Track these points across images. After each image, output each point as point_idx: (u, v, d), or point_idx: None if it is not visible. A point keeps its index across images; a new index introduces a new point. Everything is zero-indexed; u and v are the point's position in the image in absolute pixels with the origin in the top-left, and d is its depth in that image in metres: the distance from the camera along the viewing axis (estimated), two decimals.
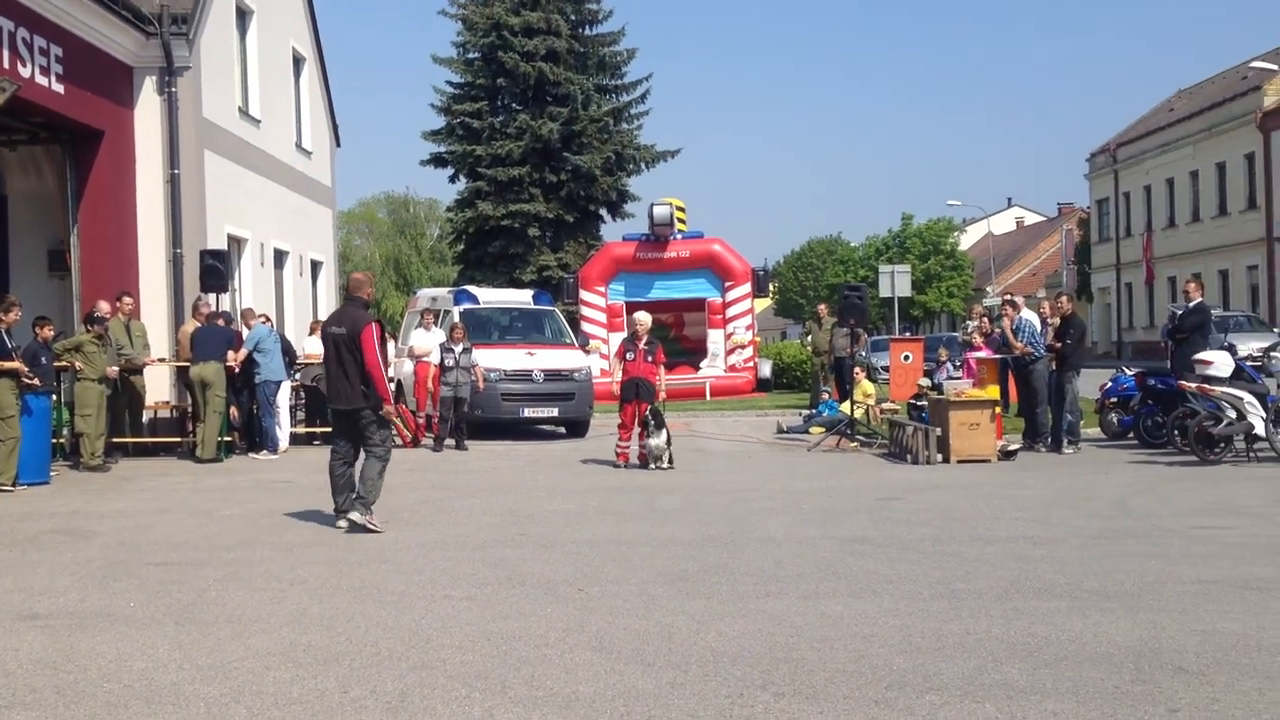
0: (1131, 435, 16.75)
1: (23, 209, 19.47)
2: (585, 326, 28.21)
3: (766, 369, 30.25)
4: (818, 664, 5.79)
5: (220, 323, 16.72)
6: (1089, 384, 18.14)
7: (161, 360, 17.39)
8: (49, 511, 11.48)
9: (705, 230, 31.01)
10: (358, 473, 10.21)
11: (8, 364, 13.11)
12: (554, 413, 19.98)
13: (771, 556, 8.63)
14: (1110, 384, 17.67)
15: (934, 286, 70.83)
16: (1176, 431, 15.01)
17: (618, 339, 22.60)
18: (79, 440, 15.16)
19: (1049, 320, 16.82)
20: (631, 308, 24.18)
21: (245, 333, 17.20)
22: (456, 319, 20.41)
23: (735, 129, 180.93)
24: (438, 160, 44.06)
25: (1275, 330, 35.52)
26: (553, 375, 19.85)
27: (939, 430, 15.03)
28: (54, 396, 14.87)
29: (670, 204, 29.44)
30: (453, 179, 44.11)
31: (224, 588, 7.79)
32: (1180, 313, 16.44)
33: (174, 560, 8.82)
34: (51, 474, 14.04)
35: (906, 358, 20.82)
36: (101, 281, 17.23)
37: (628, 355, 15.26)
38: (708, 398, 27.91)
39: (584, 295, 29.50)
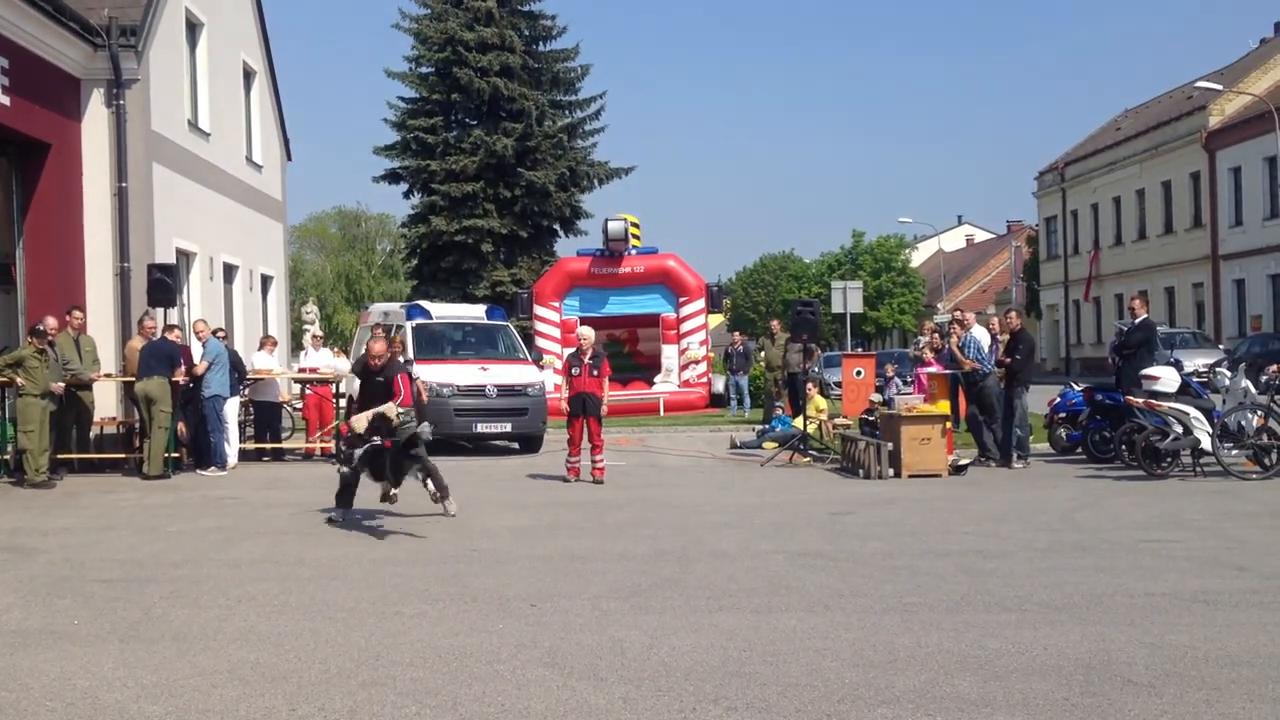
0: (1080, 450, 16.92)
1: None
2: (539, 342, 28.15)
3: (720, 385, 30.33)
4: (770, 678, 5.79)
5: (175, 335, 16.51)
6: (1038, 399, 18.32)
7: (108, 376, 17.15)
8: None
9: (659, 246, 31.08)
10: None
11: None
12: (507, 428, 19.91)
13: (724, 571, 8.63)
14: (1059, 399, 17.85)
15: (886, 303, 71.47)
16: (1124, 446, 15.18)
17: None
18: (23, 456, 14.91)
19: (998, 336, 16.97)
20: (586, 323, 24.15)
21: (195, 346, 17.01)
22: (409, 334, 20.33)
23: (688, 146, 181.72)
24: (391, 176, 43.94)
25: (1220, 346, 36.09)
26: (506, 390, 19.78)
27: (890, 445, 15.11)
28: None
29: (625, 219, 29.48)
30: (407, 194, 44.03)
31: (170, 605, 7.68)
32: (1127, 329, 16.65)
33: (119, 577, 8.69)
34: None
35: (859, 373, 20.91)
36: (47, 295, 16.99)
37: (573, 371, 15.26)
38: (661, 413, 27.93)
39: (538, 310, 29.45)
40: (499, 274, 41.56)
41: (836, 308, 33.34)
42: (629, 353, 31.78)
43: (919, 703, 5.36)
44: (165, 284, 17.59)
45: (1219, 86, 43.61)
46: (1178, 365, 15.78)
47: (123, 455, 16.98)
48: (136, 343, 16.49)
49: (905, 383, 21.42)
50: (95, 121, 18.15)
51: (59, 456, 15.75)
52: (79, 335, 16.37)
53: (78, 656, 6.37)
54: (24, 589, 8.26)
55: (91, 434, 16.87)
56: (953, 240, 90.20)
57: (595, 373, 15.14)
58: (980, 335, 16.66)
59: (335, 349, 23.40)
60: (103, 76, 18.09)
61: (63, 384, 15.38)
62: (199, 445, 16.81)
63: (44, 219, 17.34)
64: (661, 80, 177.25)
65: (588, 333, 15.73)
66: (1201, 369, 22.67)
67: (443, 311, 23.50)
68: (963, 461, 15.59)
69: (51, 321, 15.44)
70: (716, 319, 44.82)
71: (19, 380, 14.63)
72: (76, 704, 5.53)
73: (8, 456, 15.55)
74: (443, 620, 7.15)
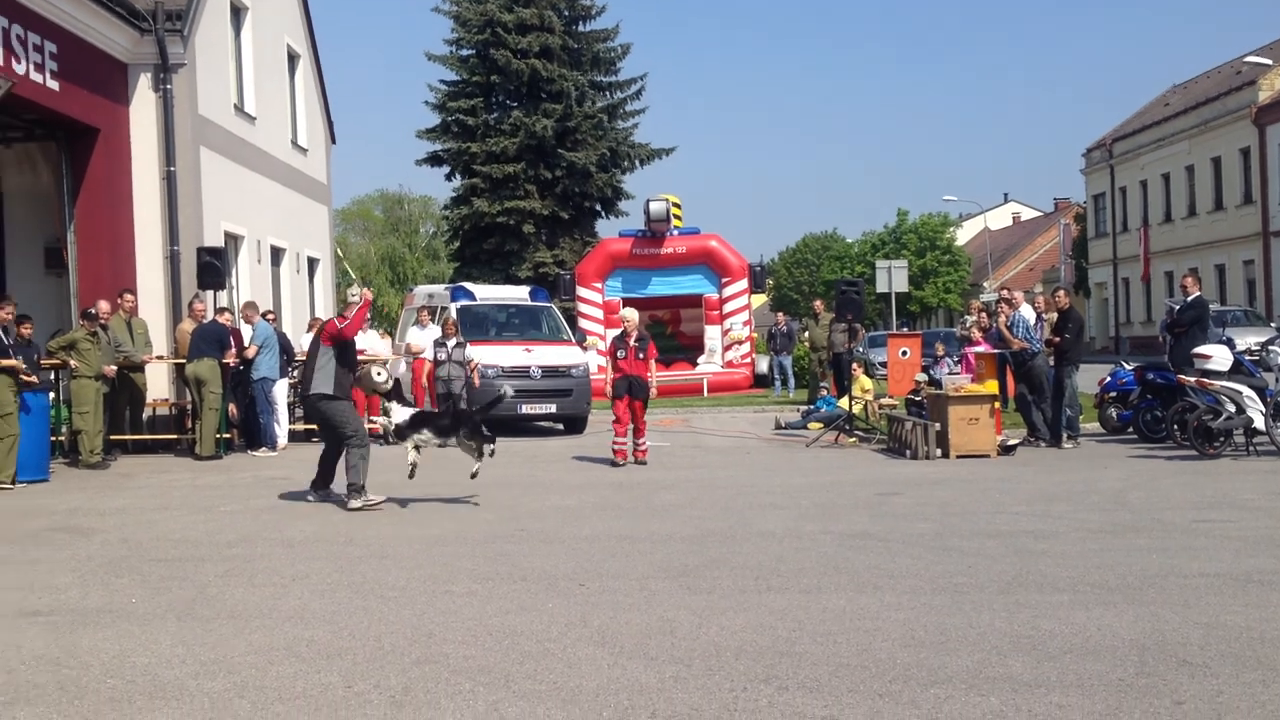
0: (1131, 430, 16.76)
1: (19, 206, 19.45)
2: (582, 323, 28.21)
3: (764, 365, 30.28)
4: (821, 658, 5.78)
5: (224, 318, 16.69)
6: (1088, 379, 18.16)
7: (160, 358, 17.36)
8: (49, 509, 11.47)
9: (701, 226, 31.01)
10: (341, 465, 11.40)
11: (6, 361, 13.12)
12: (552, 409, 19.98)
13: (772, 551, 8.62)
14: (1109, 379, 17.68)
15: (931, 282, 70.90)
16: (1176, 426, 15.01)
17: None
18: (77, 438, 15.14)
19: (1043, 315, 16.81)
20: (628, 304, 24.14)
21: (244, 329, 17.17)
22: (453, 315, 20.42)
23: (730, 126, 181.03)
24: (433, 158, 44.10)
25: (1272, 324, 35.56)
26: (550, 372, 19.85)
27: (938, 425, 15.03)
28: (52, 394, 14.85)
29: (667, 200, 29.43)
30: (449, 176, 44.17)
31: (225, 584, 7.78)
32: (1178, 307, 16.45)
33: (175, 556, 8.81)
34: (50, 471, 14.03)
35: (904, 353, 20.78)
36: (98, 279, 17.21)
37: (619, 353, 15.21)
38: (705, 394, 27.92)
39: (581, 291, 29.49)
40: (541, 255, 41.65)
41: (881, 287, 33.17)
42: (672, 333, 31.80)
43: (972, 683, 5.33)
44: (214, 267, 17.78)
45: (1269, 61, 42.89)
46: (1230, 343, 15.59)
47: (175, 436, 17.21)
48: (187, 325, 16.68)
49: (954, 362, 21.26)
50: (143, 106, 18.33)
51: (113, 438, 15.98)
52: (130, 318, 16.59)
53: (136, 634, 6.47)
54: (82, 568, 8.38)
55: (144, 415, 17.10)
56: (999, 218, 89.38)
57: (641, 355, 15.10)
58: (1028, 314, 16.52)
59: (381, 331, 23.53)
60: (149, 61, 18.26)
61: (115, 366, 15.59)
62: (249, 427, 17.01)
63: (94, 204, 17.55)
64: (702, 60, 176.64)
65: (632, 315, 15.60)
66: (1254, 347, 22.33)
67: (486, 293, 23.60)
68: (1011, 442, 15.49)
69: (104, 305, 15.65)
70: (759, 299, 44.72)
71: (72, 363, 14.84)
72: (136, 680, 5.61)
73: (63, 438, 15.77)
74: (493, 599, 7.20)
